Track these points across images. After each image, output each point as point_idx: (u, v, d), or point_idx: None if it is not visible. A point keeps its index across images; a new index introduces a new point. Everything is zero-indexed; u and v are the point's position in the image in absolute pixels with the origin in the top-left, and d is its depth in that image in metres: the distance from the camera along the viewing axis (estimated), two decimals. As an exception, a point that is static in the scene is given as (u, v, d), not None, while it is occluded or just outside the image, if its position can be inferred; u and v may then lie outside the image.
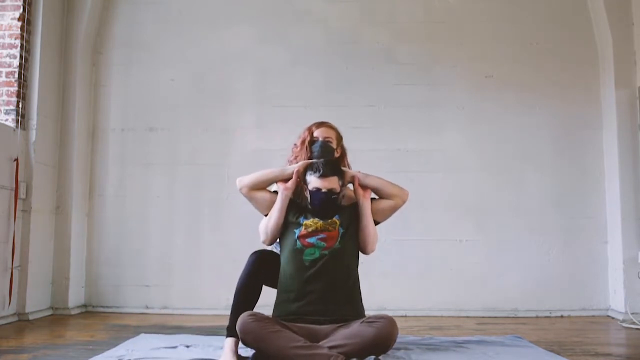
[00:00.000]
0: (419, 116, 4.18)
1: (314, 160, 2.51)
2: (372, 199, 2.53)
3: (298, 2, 4.30)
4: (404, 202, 2.54)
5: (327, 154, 2.56)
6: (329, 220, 2.42)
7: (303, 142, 2.62)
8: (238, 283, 2.48)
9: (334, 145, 2.62)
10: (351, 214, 2.48)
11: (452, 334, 3.23)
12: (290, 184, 2.47)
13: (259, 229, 2.51)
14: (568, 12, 4.21)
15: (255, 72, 4.25)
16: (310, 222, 2.42)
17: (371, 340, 2.17)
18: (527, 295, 4.00)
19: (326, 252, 2.37)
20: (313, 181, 2.43)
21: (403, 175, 4.10)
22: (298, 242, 2.40)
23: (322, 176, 2.41)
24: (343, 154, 2.69)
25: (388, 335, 2.21)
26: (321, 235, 2.39)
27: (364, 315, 2.41)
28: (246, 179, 2.51)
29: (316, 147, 2.57)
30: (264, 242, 2.52)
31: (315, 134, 2.61)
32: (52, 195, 4.00)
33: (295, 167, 2.50)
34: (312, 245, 2.38)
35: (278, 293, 2.46)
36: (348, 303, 2.39)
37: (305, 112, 4.17)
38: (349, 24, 4.26)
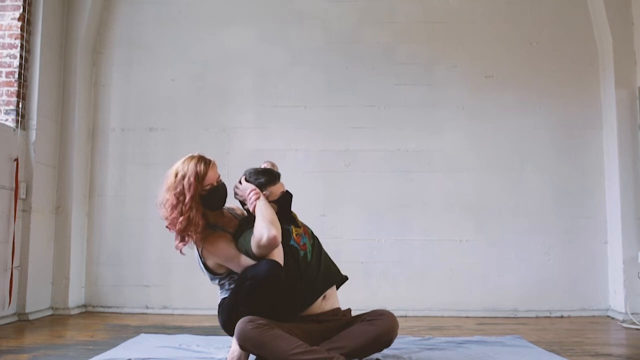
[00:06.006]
0: (419, 116, 4.18)
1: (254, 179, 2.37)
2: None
3: (298, 2, 4.30)
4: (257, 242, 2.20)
5: (225, 195, 2.39)
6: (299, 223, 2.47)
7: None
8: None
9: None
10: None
11: (452, 334, 3.23)
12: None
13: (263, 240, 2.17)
14: (568, 12, 4.21)
15: (255, 72, 4.25)
16: (293, 228, 2.40)
17: (373, 338, 2.20)
18: (527, 295, 4.00)
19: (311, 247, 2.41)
20: (274, 189, 2.38)
21: (403, 175, 4.13)
22: (294, 243, 2.36)
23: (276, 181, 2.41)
24: None
25: (390, 330, 2.23)
26: (305, 239, 2.40)
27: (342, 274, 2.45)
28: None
29: (221, 194, 2.35)
30: (274, 238, 2.17)
31: (209, 181, 2.29)
32: (52, 195, 4.00)
33: None
34: (304, 247, 2.38)
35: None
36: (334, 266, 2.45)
37: (305, 112, 4.18)
38: (349, 24, 4.27)
